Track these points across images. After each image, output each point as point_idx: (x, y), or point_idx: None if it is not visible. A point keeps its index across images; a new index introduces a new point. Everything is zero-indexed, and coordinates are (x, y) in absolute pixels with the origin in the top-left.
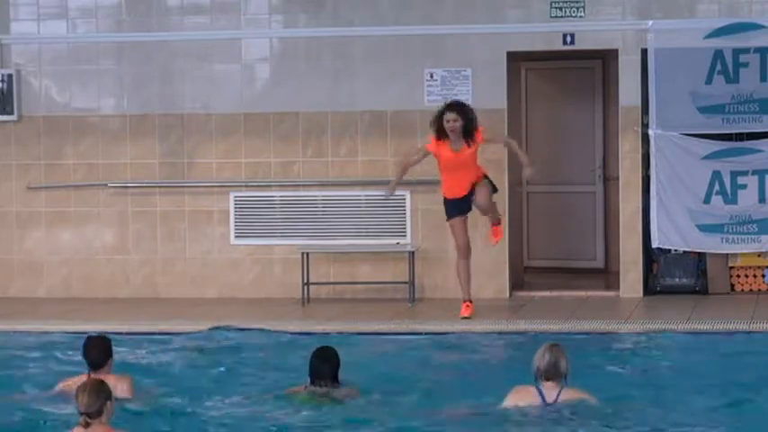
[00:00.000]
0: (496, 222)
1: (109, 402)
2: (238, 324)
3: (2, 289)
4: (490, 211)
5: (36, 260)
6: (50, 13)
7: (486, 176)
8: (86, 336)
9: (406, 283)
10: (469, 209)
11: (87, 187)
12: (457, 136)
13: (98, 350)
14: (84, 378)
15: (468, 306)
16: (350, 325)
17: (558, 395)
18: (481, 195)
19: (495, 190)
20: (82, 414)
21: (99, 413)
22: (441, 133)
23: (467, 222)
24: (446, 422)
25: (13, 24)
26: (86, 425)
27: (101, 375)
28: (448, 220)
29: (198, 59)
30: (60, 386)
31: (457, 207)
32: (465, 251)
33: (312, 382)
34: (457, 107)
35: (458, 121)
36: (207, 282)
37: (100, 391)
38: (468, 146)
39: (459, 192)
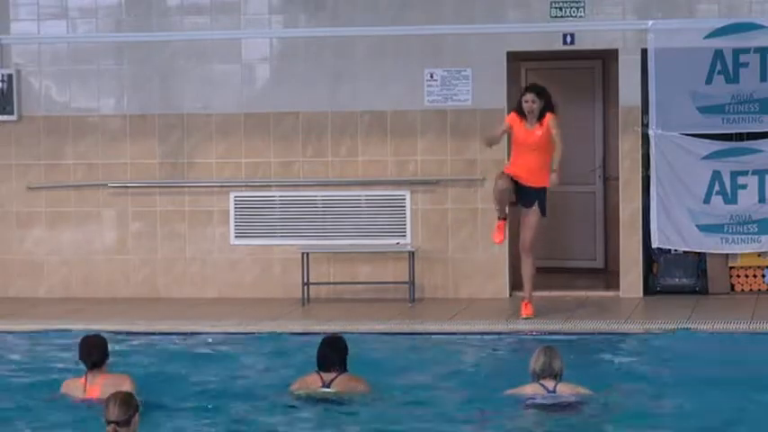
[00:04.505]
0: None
1: (137, 415)
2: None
3: (2, 289)
4: (526, 248)
5: (36, 260)
6: (50, 13)
7: (543, 191)
8: (82, 336)
9: (406, 283)
10: (520, 202)
11: (87, 187)
12: (533, 117)
13: (96, 349)
14: (82, 380)
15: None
16: (350, 325)
17: (555, 386)
18: (527, 230)
19: (543, 213)
20: (111, 422)
21: (127, 423)
22: (520, 112)
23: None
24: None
25: (13, 24)
26: None
27: (100, 374)
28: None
29: (198, 59)
30: (63, 388)
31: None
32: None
33: (319, 370)
34: (536, 89)
35: (535, 103)
36: (207, 282)
37: (130, 403)
38: (541, 125)
39: (520, 173)
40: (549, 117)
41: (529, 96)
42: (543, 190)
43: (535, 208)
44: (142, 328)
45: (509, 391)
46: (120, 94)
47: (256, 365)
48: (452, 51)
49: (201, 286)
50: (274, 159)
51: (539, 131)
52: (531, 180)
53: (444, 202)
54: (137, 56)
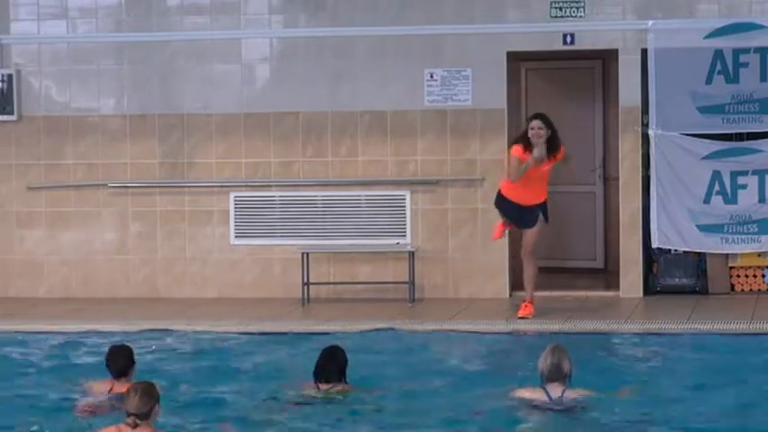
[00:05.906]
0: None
1: (157, 405)
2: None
3: (2, 289)
4: (528, 252)
5: (36, 260)
6: (50, 13)
7: (544, 203)
8: (109, 345)
9: (406, 283)
10: (522, 225)
11: (87, 187)
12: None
13: (122, 359)
14: (108, 384)
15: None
16: (350, 325)
17: (562, 393)
18: (529, 236)
19: (546, 220)
20: (131, 414)
21: (147, 416)
22: (526, 142)
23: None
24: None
25: (13, 24)
26: (135, 425)
27: (123, 383)
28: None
29: (198, 59)
30: (86, 386)
31: (512, 213)
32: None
33: (316, 380)
34: (543, 117)
35: (542, 129)
36: (207, 282)
37: (151, 395)
38: (549, 159)
39: (522, 199)
40: (563, 151)
41: (536, 123)
42: (545, 202)
43: (537, 225)
44: (142, 328)
45: (512, 393)
46: (120, 94)
47: (255, 365)
48: (452, 51)
49: (201, 286)
50: (274, 159)
51: (547, 164)
52: (535, 199)
53: (444, 202)
54: (137, 56)
